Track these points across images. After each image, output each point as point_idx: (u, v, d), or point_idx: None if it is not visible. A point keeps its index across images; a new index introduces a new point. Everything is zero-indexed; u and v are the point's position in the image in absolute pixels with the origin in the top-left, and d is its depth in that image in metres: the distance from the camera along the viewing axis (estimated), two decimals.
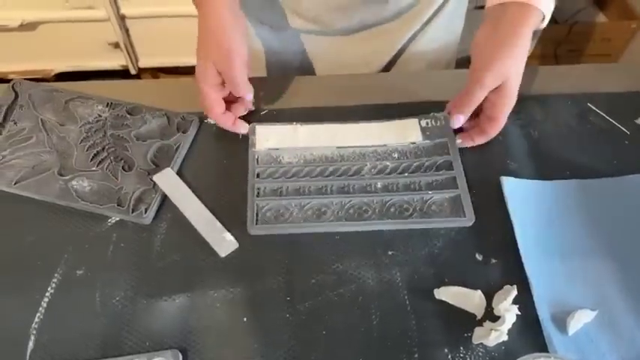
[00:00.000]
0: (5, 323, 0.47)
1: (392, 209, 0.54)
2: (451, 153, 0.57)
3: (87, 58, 1.51)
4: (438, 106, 0.61)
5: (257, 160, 0.58)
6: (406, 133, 0.59)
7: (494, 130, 0.56)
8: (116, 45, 1.46)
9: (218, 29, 0.55)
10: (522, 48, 0.52)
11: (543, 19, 0.53)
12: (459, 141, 0.58)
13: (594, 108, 0.63)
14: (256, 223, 0.53)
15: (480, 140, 0.57)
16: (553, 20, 1.56)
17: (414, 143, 0.58)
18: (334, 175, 0.56)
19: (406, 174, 0.56)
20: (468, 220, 0.53)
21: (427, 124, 0.60)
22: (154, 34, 1.46)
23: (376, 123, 0.60)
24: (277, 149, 0.58)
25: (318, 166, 0.57)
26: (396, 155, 0.58)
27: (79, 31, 1.42)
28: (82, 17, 1.38)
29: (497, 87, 0.53)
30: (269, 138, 0.58)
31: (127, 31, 1.44)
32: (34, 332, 0.46)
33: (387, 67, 0.77)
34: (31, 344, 0.46)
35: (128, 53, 1.48)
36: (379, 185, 0.56)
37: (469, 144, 0.58)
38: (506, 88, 0.53)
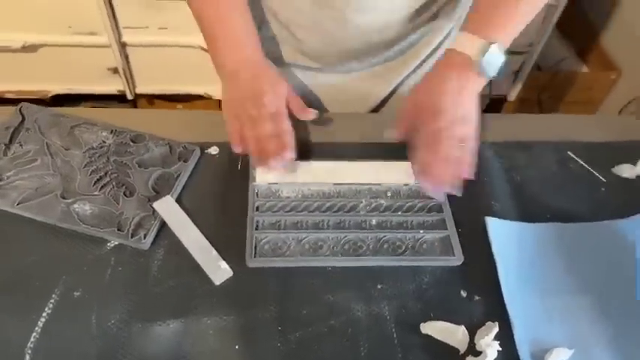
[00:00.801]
0: (1, 342, 0.48)
1: (385, 246, 0.56)
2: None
3: (85, 81, 1.53)
4: None
5: (257, 193, 0.60)
6: (399, 175, 0.62)
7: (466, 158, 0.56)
8: (115, 70, 1.49)
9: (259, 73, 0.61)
10: (454, 83, 0.55)
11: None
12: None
13: (574, 156, 0.67)
14: (254, 256, 0.54)
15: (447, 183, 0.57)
16: (537, 67, 1.64)
17: (407, 184, 0.61)
18: (331, 210, 0.59)
19: (399, 212, 0.59)
20: (457, 259, 0.55)
21: None
22: (153, 62, 1.49)
23: (372, 162, 0.63)
24: (277, 184, 0.61)
25: (315, 202, 0.59)
26: (389, 194, 0.61)
27: (79, 55, 1.45)
28: (83, 42, 1.41)
29: (434, 119, 0.55)
30: (269, 172, 0.61)
31: (126, 57, 1.47)
32: (29, 352, 0.47)
33: (380, 105, 0.80)
34: None
35: (126, 79, 1.51)
36: (374, 222, 0.58)
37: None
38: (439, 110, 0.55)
